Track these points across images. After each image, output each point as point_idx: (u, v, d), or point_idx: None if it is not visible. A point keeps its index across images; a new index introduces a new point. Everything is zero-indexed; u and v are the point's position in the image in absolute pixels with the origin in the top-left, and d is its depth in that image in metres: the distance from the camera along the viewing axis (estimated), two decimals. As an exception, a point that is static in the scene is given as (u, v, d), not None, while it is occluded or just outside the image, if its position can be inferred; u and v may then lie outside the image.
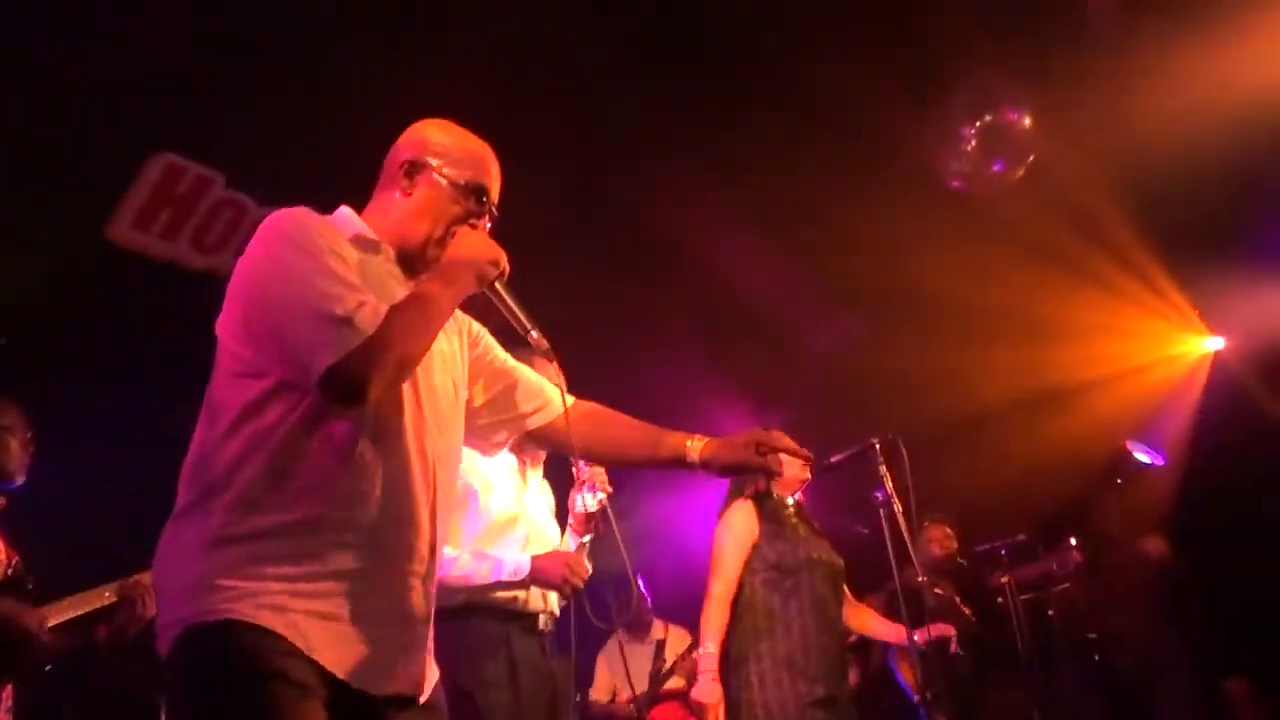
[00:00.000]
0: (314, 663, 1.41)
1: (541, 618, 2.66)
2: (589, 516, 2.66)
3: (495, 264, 1.63)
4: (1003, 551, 4.14)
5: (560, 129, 3.96)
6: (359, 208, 1.71)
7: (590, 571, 2.68)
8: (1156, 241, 4.98)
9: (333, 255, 1.51)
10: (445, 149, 1.69)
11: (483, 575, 2.55)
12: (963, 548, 4.33)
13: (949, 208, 4.64)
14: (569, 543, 2.75)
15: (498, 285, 1.65)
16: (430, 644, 1.60)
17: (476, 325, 1.82)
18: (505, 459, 2.71)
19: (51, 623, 2.64)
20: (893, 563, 3.28)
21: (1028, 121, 4.45)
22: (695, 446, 1.75)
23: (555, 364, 1.75)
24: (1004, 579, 4.22)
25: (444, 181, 1.67)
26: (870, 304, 5.04)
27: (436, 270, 1.63)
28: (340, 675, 1.43)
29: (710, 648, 3.12)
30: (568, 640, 2.75)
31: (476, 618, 2.54)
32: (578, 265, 4.44)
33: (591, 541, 2.75)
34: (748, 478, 3.28)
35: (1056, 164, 4.50)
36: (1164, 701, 4.34)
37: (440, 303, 1.57)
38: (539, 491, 2.84)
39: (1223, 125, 4.16)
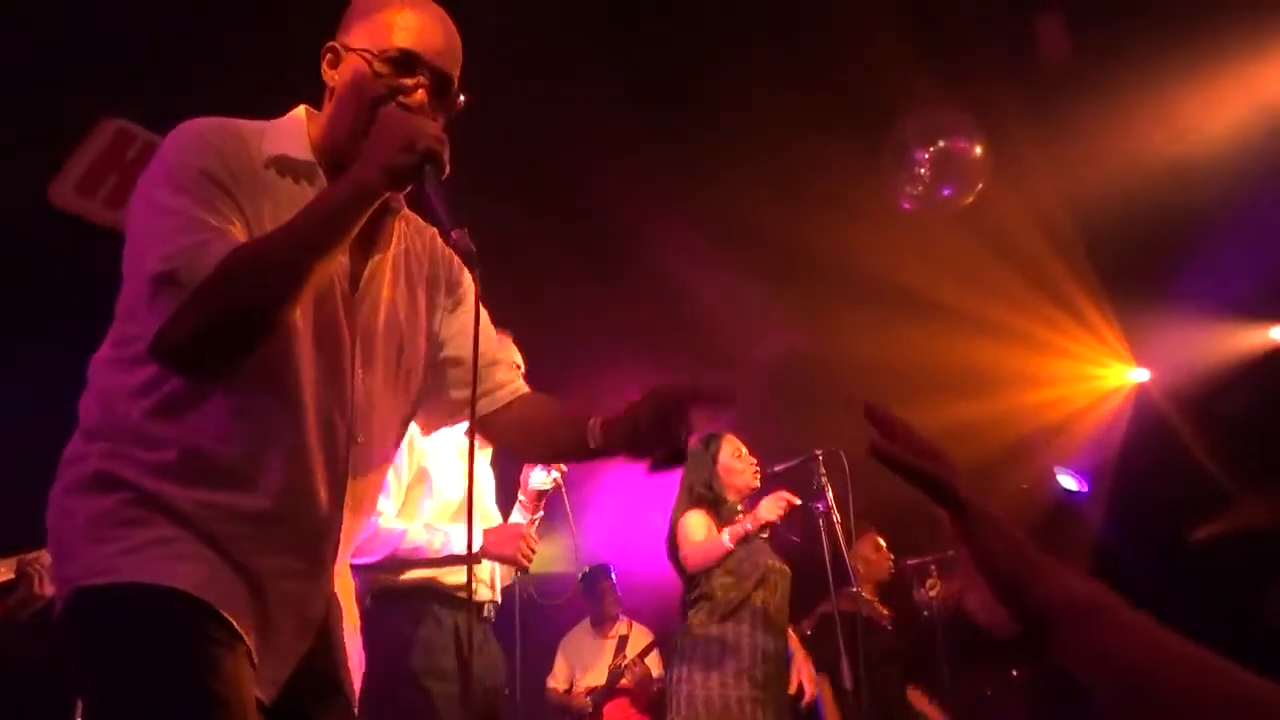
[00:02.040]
0: (223, 616, 1.22)
1: (486, 606, 2.66)
2: (541, 494, 2.65)
3: (411, 149, 1.23)
4: (933, 565, 4.25)
5: (519, 129, 3.94)
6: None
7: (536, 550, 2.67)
8: (1092, 276, 5.17)
9: (205, 188, 1.23)
10: (356, 20, 1.36)
11: (435, 549, 2.51)
12: (895, 561, 4.43)
13: (894, 229, 4.75)
14: (519, 519, 2.74)
15: (428, 173, 1.24)
16: (345, 643, 1.41)
17: (458, 263, 1.50)
18: (457, 440, 2.68)
19: None
20: (830, 582, 3.34)
21: (979, 150, 4.58)
22: (595, 431, 1.40)
23: (476, 274, 1.42)
24: (928, 591, 4.31)
25: (358, 58, 1.32)
26: (818, 318, 5.13)
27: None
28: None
29: (725, 539, 3.17)
30: (509, 627, 2.75)
31: (429, 604, 2.52)
32: (529, 264, 4.43)
33: (543, 520, 2.75)
34: (693, 478, 3.34)
35: (1002, 197, 4.65)
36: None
37: (315, 222, 1.22)
38: (486, 475, 2.83)
39: (1159, 170, 4.35)
